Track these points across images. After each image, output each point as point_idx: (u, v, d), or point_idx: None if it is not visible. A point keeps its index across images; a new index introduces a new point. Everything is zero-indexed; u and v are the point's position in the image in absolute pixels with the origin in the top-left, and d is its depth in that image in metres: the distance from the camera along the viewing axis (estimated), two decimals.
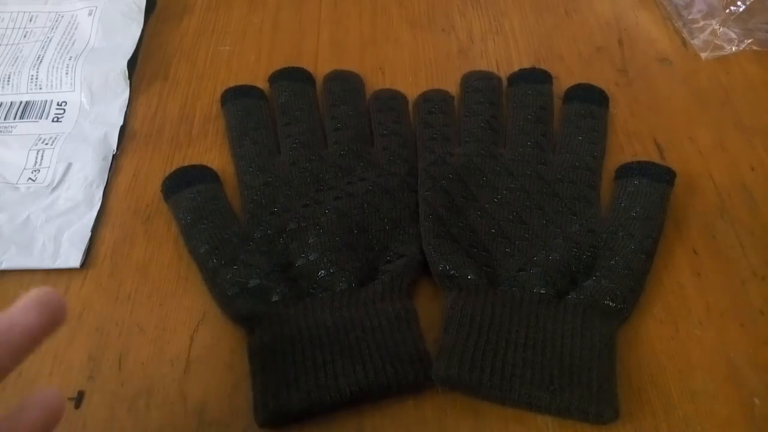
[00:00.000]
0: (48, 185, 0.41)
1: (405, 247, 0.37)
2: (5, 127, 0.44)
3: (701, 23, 0.51)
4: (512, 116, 0.44)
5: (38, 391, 0.22)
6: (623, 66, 0.49)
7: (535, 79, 0.47)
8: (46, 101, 0.46)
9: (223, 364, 0.34)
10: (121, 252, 0.38)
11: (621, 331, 0.34)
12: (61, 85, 0.47)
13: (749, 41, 0.50)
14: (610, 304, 0.34)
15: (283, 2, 0.54)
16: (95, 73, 0.47)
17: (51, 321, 0.21)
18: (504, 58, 0.50)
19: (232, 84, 0.46)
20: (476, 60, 0.50)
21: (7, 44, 0.49)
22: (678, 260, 0.38)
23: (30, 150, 0.43)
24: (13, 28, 0.50)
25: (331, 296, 0.34)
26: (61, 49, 0.49)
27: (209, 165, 0.42)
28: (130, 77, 0.47)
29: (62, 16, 0.51)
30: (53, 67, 0.47)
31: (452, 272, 0.35)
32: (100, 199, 0.40)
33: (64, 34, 0.50)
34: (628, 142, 0.44)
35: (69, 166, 0.42)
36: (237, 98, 0.45)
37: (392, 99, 0.46)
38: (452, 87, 0.47)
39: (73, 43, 0.49)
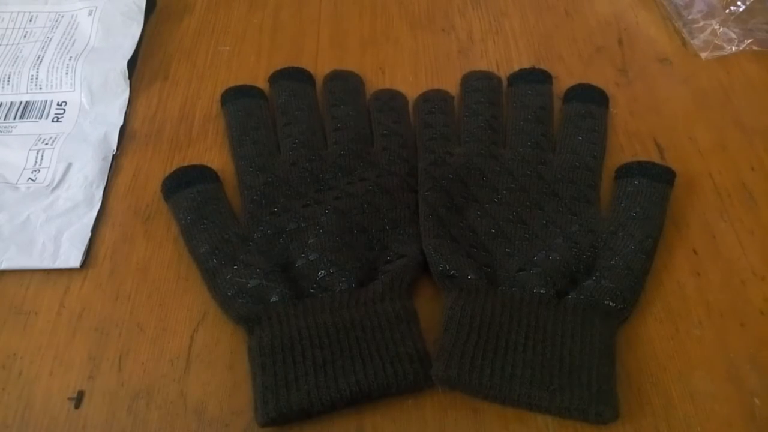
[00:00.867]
0: (48, 185, 0.41)
1: (405, 247, 0.37)
2: (5, 127, 0.44)
3: (701, 23, 0.51)
4: (512, 116, 0.44)
5: None
6: (623, 66, 0.49)
7: (535, 79, 0.47)
8: (46, 101, 0.46)
9: (223, 364, 0.34)
10: (120, 252, 0.38)
11: (621, 331, 0.34)
12: (61, 85, 0.47)
13: (749, 41, 0.50)
14: (610, 304, 0.34)
15: (283, 2, 0.54)
16: (95, 73, 0.47)
17: None
18: (504, 58, 0.50)
19: (232, 84, 0.46)
20: (476, 60, 0.50)
21: (7, 44, 0.49)
22: (678, 260, 0.38)
23: (30, 150, 0.43)
24: (13, 28, 0.50)
25: (331, 296, 0.34)
26: (61, 49, 0.49)
27: (209, 165, 0.42)
28: (130, 77, 0.47)
29: (62, 16, 0.51)
30: (53, 67, 0.47)
31: (452, 272, 0.35)
32: (100, 199, 0.40)
33: (64, 34, 0.50)
34: (628, 142, 0.44)
35: (69, 166, 0.42)
36: (237, 98, 0.45)
37: (392, 99, 0.46)
38: (452, 87, 0.47)
39: (73, 43, 0.49)
